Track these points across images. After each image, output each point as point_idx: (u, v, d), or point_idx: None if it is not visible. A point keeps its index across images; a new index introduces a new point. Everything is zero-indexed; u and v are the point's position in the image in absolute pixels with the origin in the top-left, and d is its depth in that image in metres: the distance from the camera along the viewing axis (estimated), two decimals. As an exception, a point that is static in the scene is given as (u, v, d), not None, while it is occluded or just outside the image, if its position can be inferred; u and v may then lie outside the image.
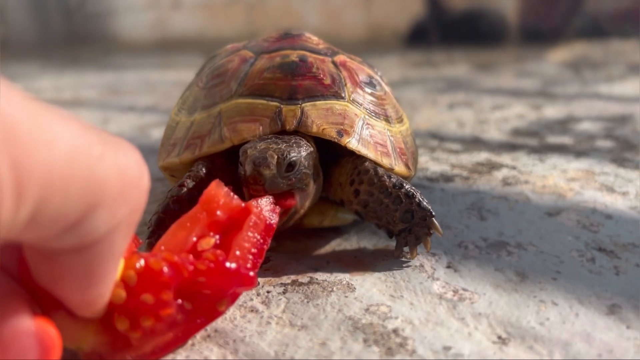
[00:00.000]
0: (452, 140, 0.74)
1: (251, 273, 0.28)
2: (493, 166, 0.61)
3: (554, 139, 0.73)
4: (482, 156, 0.66)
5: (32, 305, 0.23)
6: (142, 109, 1.09)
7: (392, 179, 0.39)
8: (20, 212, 0.17)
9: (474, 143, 0.72)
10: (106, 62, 2.23)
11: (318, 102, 0.41)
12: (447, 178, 0.57)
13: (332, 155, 0.42)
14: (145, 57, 2.38)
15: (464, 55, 1.88)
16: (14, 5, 3.77)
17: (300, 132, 0.40)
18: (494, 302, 0.34)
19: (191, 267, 0.27)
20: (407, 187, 0.39)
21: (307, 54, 0.44)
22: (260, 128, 0.39)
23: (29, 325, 0.22)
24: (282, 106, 0.40)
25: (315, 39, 0.48)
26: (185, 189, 0.38)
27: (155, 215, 0.37)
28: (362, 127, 0.41)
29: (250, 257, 0.30)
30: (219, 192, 0.32)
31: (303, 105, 0.40)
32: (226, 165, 0.41)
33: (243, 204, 0.32)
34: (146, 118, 0.98)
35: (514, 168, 0.60)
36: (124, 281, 0.26)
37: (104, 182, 0.19)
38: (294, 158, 0.35)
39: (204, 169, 0.39)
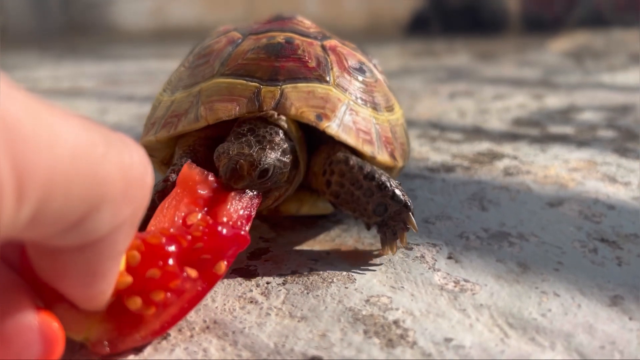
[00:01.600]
0: (453, 130, 0.74)
1: (242, 232, 0.29)
2: (494, 156, 0.61)
3: (555, 129, 0.72)
4: (484, 146, 0.65)
5: (34, 298, 0.23)
6: (140, 98, 1.08)
7: (364, 170, 0.37)
8: (22, 212, 0.16)
9: (475, 133, 0.72)
10: (104, 52, 2.22)
11: (300, 85, 0.40)
12: (448, 168, 0.57)
13: (316, 142, 0.41)
14: (144, 47, 2.37)
15: (465, 45, 1.86)
16: (11, -6, 3.74)
17: (279, 114, 0.38)
18: (496, 293, 0.33)
19: (188, 236, 0.28)
20: (380, 178, 0.37)
21: (295, 36, 0.43)
22: (237, 108, 0.38)
23: (32, 320, 0.22)
24: (261, 87, 0.39)
25: (307, 22, 0.47)
26: (170, 184, 0.37)
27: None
28: (344, 112, 0.40)
29: (239, 221, 0.31)
30: (192, 172, 0.33)
31: (283, 86, 0.39)
32: (210, 156, 0.40)
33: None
34: (145, 108, 0.97)
35: (515, 158, 0.60)
36: (128, 262, 0.26)
37: (107, 181, 0.19)
38: (266, 166, 0.34)
39: (188, 162, 0.39)
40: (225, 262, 0.29)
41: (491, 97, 0.97)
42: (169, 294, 0.27)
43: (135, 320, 0.27)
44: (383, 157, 0.40)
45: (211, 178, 0.33)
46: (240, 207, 0.32)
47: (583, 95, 0.95)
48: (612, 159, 0.59)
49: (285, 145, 0.37)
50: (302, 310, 0.32)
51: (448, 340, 0.29)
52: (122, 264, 0.25)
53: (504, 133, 0.71)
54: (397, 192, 0.37)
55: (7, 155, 0.15)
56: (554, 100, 0.92)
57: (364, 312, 0.31)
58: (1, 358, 0.21)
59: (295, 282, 0.35)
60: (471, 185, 0.52)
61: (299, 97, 0.39)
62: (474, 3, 2.28)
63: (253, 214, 0.33)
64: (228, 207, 0.32)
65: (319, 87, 0.40)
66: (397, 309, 0.32)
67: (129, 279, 0.26)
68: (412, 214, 0.37)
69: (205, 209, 0.32)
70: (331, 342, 0.29)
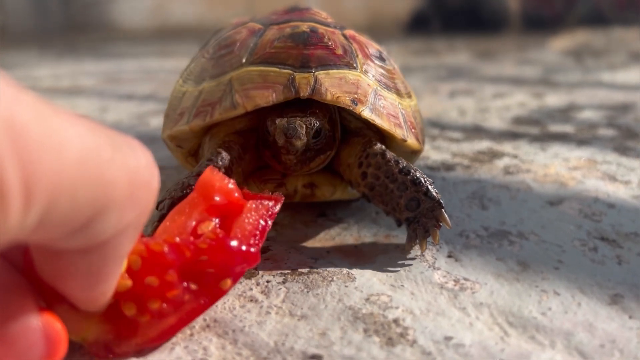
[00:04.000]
0: (453, 128, 0.74)
1: (253, 249, 0.28)
2: (494, 155, 0.61)
3: (555, 128, 0.72)
4: (484, 145, 0.65)
5: (37, 299, 0.23)
6: (140, 97, 1.08)
7: (400, 164, 0.38)
8: (29, 216, 0.16)
9: (475, 131, 0.72)
10: (104, 50, 2.21)
11: (331, 71, 0.40)
12: (448, 167, 0.57)
13: (341, 132, 0.42)
14: (144, 45, 2.37)
15: (465, 43, 1.86)
16: (11, -7, 3.73)
17: (314, 100, 0.39)
18: (496, 291, 0.33)
19: (192, 247, 0.27)
20: (415, 174, 0.38)
21: (317, 25, 0.44)
22: (274, 95, 0.39)
23: (36, 321, 0.22)
24: (295, 73, 0.40)
25: (323, 13, 0.48)
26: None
27: (169, 199, 0.35)
28: (375, 97, 0.41)
29: (252, 237, 0.30)
30: (213, 177, 0.32)
31: (317, 73, 0.40)
32: (243, 154, 0.40)
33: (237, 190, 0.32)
34: (145, 106, 0.97)
35: (515, 157, 0.60)
36: (129, 266, 0.26)
37: (113, 186, 0.19)
38: (318, 125, 0.37)
39: (210, 167, 0.39)
40: (231, 279, 0.28)
41: (491, 96, 0.97)
42: (165, 305, 0.26)
43: (132, 325, 0.27)
44: (412, 140, 0.42)
45: (231, 186, 0.32)
46: (256, 220, 0.31)
47: (583, 94, 0.95)
48: (612, 157, 0.59)
49: (325, 119, 0.39)
50: (302, 308, 0.32)
51: (448, 338, 0.29)
52: (123, 266, 0.25)
53: (504, 132, 0.71)
54: (431, 188, 0.38)
55: (15, 160, 0.15)
56: (554, 99, 0.92)
57: (364, 311, 0.31)
58: (5, 358, 0.21)
59: (295, 280, 0.35)
60: (471, 184, 0.52)
61: (332, 83, 0.39)
62: (474, 1, 2.27)
63: (269, 225, 0.32)
64: (243, 219, 0.31)
65: (349, 74, 0.41)
66: (397, 308, 0.32)
67: (129, 282, 0.26)
68: (445, 212, 0.37)
69: (218, 219, 0.31)
70: (331, 341, 0.29)
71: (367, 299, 0.33)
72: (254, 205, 0.32)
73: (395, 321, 0.30)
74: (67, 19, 3.85)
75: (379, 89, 0.42)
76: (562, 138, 0.67)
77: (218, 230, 0.29)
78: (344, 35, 0.44)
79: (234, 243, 0.28)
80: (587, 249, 0.39)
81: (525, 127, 0.74)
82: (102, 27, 3.57)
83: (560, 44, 1.71)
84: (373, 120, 0.39)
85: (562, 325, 0.30)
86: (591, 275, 0.35)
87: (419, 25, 2.37)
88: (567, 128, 0.72)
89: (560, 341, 0.28)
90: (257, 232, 0.30)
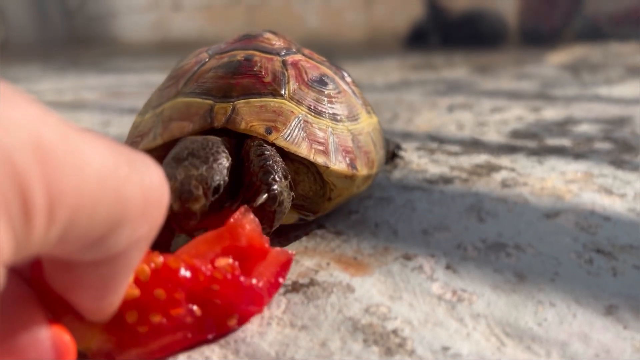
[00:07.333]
0: (452, 142, 0.75)
1: (264, 296, 0.30)
2: (492, 168, 0.62)
3: (552, 141, 0.73)
4: (481, 158, 0.66)
5: (46, 310, 0.23)
6: (142, 111, 1.09)
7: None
8: (51, 232, 0.17)
9: (473, 145, 0.73)
10: (107, 64, 2.23)
11: (252, 100, 0.41)
12: (446, 180, 0.58)
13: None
14: (146, 59, 2.39)
15: (463, 58, 1.88)
16: (14, 7, 3.77)
17: (229, 129, 0.39)
18: (493, 302, 0.34)
19: (208, 273, 0.28)
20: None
21: (256, 53, 0.44)
22: (190, 126, 0.40)
23: (45, 333, 0.22)
24: (215, 104, 0.40)
25: (274, 39, 0.47)
26: None
27: None
28: (297, 124, 0.40)
29: (267, 284, 0.32)
30: (245, 219, 0.33)
31: (236, 102, 0.40)
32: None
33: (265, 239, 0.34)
34: (147, 120, 0.98)
35: (512, 170, 0.61)
36: (136, 276, 0.27)
37: (129, 202, 0.20)
38: (217, 182, 0.34)
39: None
40: (237, 317, 0.30)
41: (489, 110, 0.97)
42: (165, 320, 0.27)
43: (134, 335, 0.27)
44: (339, 166, 0.41)
45: (259, 232, 0.33)
46: (272, 271, 0.32)
47: (580, 108, 0.96)
48: (608, 170, 0.59)
49: (228, 162, 0.36)
50: (302, 319, 0.32)
51: (445, 349, 0.29)
52: (131, 277, 0.26)
53: (502, 145, 0.72)
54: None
55: (41, 180, 0.16)
56: (551, 113, 0.93)
57: (363, 322, 0.32)
58: None
59: (295, 291, 0.36)
60: (469, 197, 0.52)
61: (250, 112, 0.40)
62: (473, 16, 2.30)
63: (283, 279, 0.33)
64: (266, 265, 0.32)
65: (271, 101, 0.41)
66: (395, 318, 0.32)
67: (136, 291, 0.26)
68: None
69: (237, 262, 0.32)
70: (331, 351, 0.29)
71: (367, 310, 0.33)
72: (274, 254, 0.33)
73: (394, 331, 0.31)
74: (69, 33, 3.88)
75: (307, 115, 0.41)
76: (559, 151, 0.68)
77: (236, 265, 0.30)
78: (283, 62, 0.44)
79: (250, 282, 0.29)
80: (583, 261, 0.39)
81: (522, 140, 0.74)
82: (105, 41, 3.59)
83: (557, 58, 1.73)
84: (288, 148, 0.39)
85: (557, 335, 0.30)
86: (587, 286, 0.36)
87: (418, 40, 2.39)
88: (564, 142, 0.73)
89: (556, 351, 0.29)
90: (272, 281, 0.32)
